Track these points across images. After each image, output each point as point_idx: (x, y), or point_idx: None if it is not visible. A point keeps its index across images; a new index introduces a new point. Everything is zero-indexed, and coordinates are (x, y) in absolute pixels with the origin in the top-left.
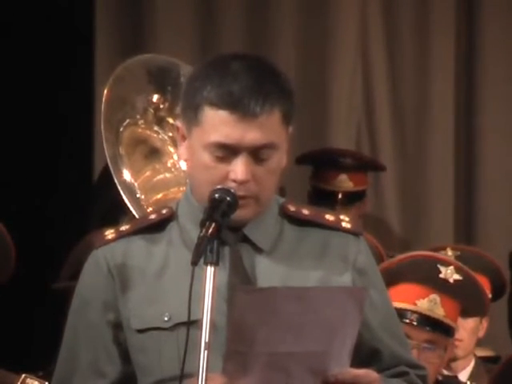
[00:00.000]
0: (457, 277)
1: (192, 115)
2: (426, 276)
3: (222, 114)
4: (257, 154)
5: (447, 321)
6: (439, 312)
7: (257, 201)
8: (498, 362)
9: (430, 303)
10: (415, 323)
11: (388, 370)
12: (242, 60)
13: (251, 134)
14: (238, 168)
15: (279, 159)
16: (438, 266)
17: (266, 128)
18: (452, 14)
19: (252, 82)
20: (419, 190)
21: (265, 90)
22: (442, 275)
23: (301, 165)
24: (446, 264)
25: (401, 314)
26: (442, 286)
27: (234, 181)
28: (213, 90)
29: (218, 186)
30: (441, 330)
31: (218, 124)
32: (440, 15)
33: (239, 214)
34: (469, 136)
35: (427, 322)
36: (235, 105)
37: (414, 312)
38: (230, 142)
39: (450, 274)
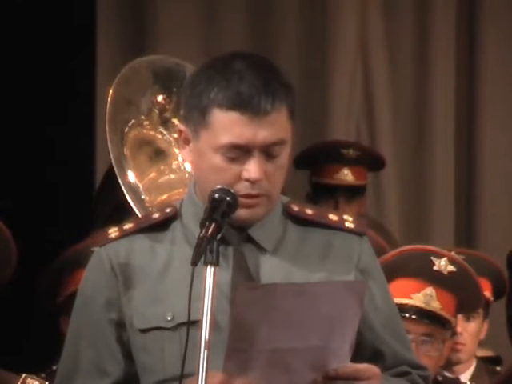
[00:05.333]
0: (451, 268)
1: (199, 118)
2: (420, 269)
3: (233, 115)
4: (268, 151)
5: (444, 313)
6: (435, 305)
7: (269, 198)
8: (498, 362)
9: (425, 297)
10: (414, 317)
11: (390, 370)
12: (242, 59)
13: (263, 133)
14: (252, 167)
15: (287, 152)
16: (432, 258)
17: (276, 125)
18: (453, 13)
19: (258, 80)
20: (419, 190)
21: (272, 88)
22: (435, 267)
23: (299, 169)
24: (439, 256)
25: (398, 308)
26: (436, 279)
27: (248, 180)
28: (220, 92)
29: (218, 186)
30: (438, 322)
31: (230, 125)
32: (441, 14)
33: (252, 213)
34: (470, 136)
35: (425, 315)
36: (246, 105)
37: (410, 306)
38: (242, 142)
39: (443, 265)
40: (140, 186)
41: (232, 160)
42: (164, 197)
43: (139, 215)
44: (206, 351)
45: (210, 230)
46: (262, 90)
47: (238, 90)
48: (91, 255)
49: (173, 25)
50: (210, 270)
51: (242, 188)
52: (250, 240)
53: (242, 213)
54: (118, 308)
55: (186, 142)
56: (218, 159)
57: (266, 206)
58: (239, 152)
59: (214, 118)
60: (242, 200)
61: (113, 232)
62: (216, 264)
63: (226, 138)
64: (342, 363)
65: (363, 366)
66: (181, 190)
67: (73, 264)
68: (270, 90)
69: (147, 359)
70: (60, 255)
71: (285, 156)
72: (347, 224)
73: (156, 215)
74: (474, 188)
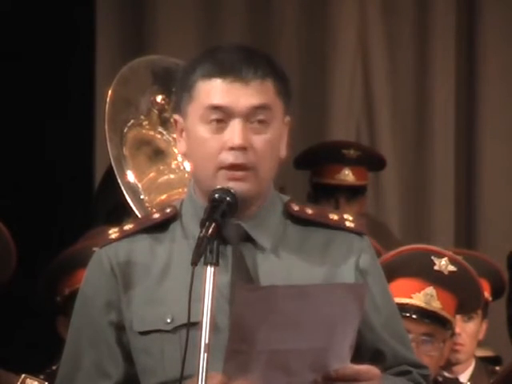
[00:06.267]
0: (451, 268)
1: (186, 96)
2: (421, 269)
3: (215, 82)
4: (252, 118)
5: (444, 313)
6: (436, 305)
7: (256, 174)
8: (498, 361)
9: (426, 296)
10: (414, 316)
11: (391, 369)
12: (232, 43)
13: (245, 96)
14: (235, 133)
15: (276, 131)
16: (432, 257)
17: (259, 92)
18: (453, 13)
19: (243, 54)
20: (419, 190)
21: (256, 61)
22: (436, 267)
23: (299, 169)
24: (440, 255)
25: (399, 308)
26: (437, 279)
27: (232, 148)
28: (204, 64)
29: (218, 186)
30: (438, 322)
31: (211, 90)
32: (440, 14)
33: (239, 187)
34: (469, 136)
35: (425, 314)
36: (227, 71)
37: (411, 306)
38: (223, 103)
39: (444, 265)
40: (139, 185)
41: (216, 130)
42: (163, 196)
43: (138, 215)
44: (205, 354)
45: (210, 230)
46: (244, 60)
47: (220, 60)
48: (91, 255)
49: (172, 25)
50: (210, 269)
51: (227, 158)
52: (249, 239)
53: (229, 186)
54: (117, 310)
55: (181, 132)
56: (202, 130)
57: (253, 181)
58: (221, 115)
59: (197, 89)
60: (227, 173)
61: (113, 233)
62: (216, 264)
63: (207, 101)
64: (343, 364)
65: (363, 368)
66: (180, 189)
67: (72, 264)
68: (253, 61)
69: (147, 361)
70: (59, 255)
71: (273, 131)
72: (347, 223)
73: (156, 216)
74: (473, 188)
